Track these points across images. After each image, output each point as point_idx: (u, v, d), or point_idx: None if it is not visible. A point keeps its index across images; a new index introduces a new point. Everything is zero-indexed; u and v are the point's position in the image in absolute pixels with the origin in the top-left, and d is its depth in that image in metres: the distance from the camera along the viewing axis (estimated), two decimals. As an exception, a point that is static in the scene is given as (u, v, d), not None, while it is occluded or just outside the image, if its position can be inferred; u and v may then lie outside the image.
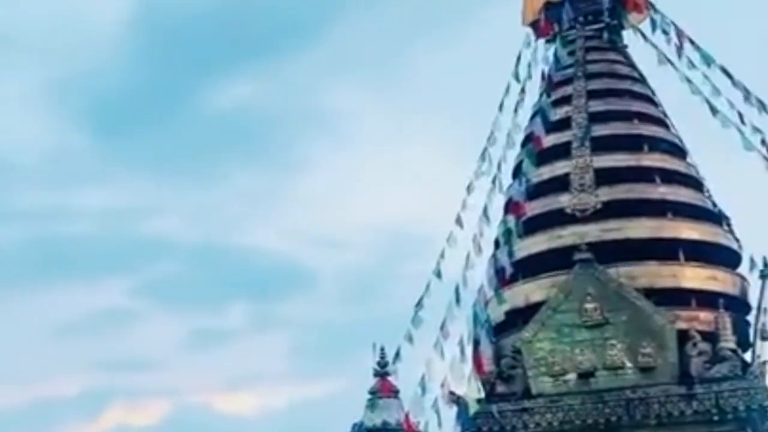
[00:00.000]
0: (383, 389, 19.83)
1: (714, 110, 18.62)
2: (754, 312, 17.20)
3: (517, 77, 20.14)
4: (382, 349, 20.88)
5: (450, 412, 16.76)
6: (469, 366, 17.05)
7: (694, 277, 17.14)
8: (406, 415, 16.95)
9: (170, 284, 46.51)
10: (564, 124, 19.09)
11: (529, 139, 19.28)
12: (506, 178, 19.65)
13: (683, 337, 16.44)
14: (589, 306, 16.84)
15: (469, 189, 19.53)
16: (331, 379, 48.02)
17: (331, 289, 47.51)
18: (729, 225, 18.36)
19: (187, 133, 48.06)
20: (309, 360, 46.26)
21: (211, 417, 43.13)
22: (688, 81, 19.01)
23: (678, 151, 18.92)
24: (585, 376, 16.71)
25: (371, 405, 19.86)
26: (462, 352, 17.18)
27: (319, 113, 48.19)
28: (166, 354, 49.26)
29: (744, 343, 16.87)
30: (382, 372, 20.31)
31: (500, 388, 17.20)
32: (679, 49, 19.06)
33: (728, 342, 16.38)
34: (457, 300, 18.10)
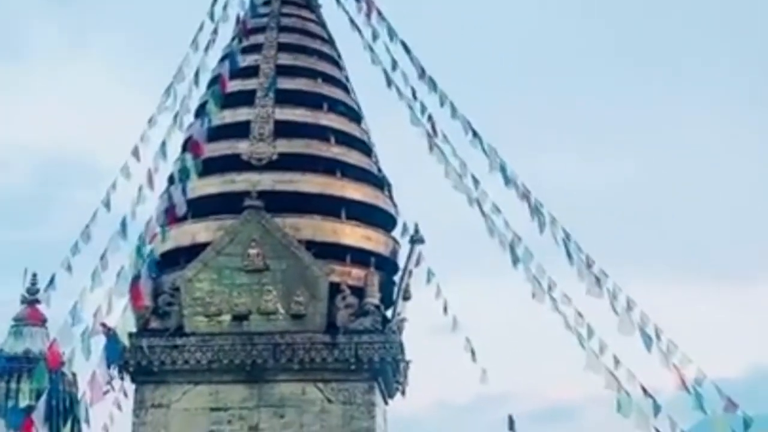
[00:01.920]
0: (30, 317, 19.05)
1: (390, 82, 19.73)
2: (400, 273, 18.57)
3: (212, 17, 20.13)
4: (34, 276, 20.03)
5: (100, 345, 16.59)
6: (125, 299, 16.94)
7: (351, 234, 18.09)
8: (51, 345, 16.51)
9: None
10: (252, 71, 19.35)
11: (215, 80, 19.36)
12: (189, 117, 19.63)
13: (335, 289, 17.36)
14: (252, 251, 17.36)
15: (151, 122, 19.31)
16: (-29, 306, 45.05)
17: (-19, 208, 44.26)
18: (390, 191, 19.57)
19: None
20: (-55, 283, 42.90)
21: None
22: (371, 50, 19.98)
23: (354, 115, 19.82)
24: (239, 318, 17.26)
25: (15, 332, 19.03)
26: (119, 284, 17.05)
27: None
28: None
29: (388, 301, 18.14)
30: (30, 299, 19.46)
31: (154, 324, 17.35)
32: (367, 17, 19.94)
33: (374, 298, 17.48)
34: (123, 232, 17.90)
